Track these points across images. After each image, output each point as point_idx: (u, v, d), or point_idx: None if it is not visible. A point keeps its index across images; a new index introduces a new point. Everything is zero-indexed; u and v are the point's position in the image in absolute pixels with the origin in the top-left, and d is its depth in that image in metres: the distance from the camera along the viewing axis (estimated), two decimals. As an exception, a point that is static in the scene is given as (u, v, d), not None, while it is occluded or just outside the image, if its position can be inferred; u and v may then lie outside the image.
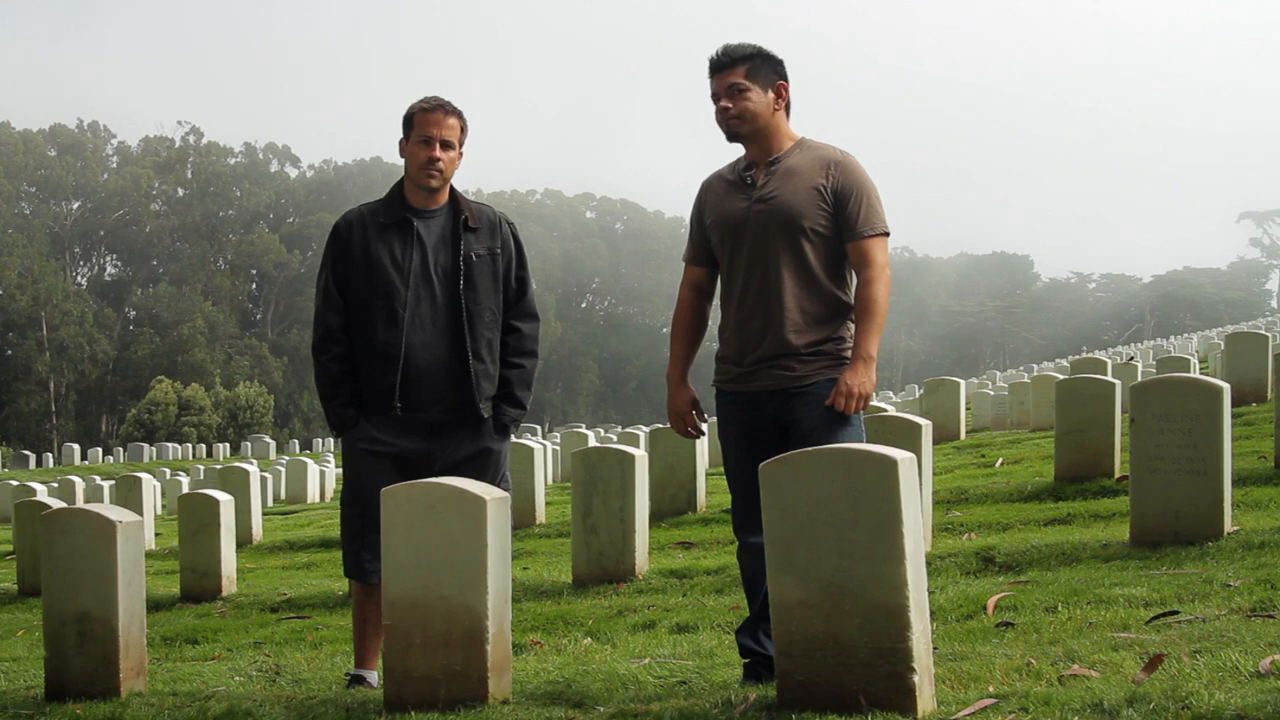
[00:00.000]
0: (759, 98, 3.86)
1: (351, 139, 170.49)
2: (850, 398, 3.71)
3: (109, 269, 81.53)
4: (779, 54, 3.95)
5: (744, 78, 3.85)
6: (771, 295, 3.83)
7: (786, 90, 3.92)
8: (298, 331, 74.23)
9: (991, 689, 3.31)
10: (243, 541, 12.00)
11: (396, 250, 4.38)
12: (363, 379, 4.42)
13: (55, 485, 20.38)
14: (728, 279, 3.97)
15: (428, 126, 4.35)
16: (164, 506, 19.96)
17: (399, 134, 4.45)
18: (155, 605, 7.99)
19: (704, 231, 4.05)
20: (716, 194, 4.00)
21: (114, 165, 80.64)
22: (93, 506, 4.71)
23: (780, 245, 3.83)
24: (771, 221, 3.83)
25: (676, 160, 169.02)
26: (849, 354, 3.83)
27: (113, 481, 18.85)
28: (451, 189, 4.50)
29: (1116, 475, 8.52)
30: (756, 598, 3.87)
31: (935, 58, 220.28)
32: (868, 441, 3.48)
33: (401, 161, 4.49)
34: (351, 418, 4.42)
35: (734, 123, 3.87)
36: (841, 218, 3.83)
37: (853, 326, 3.86)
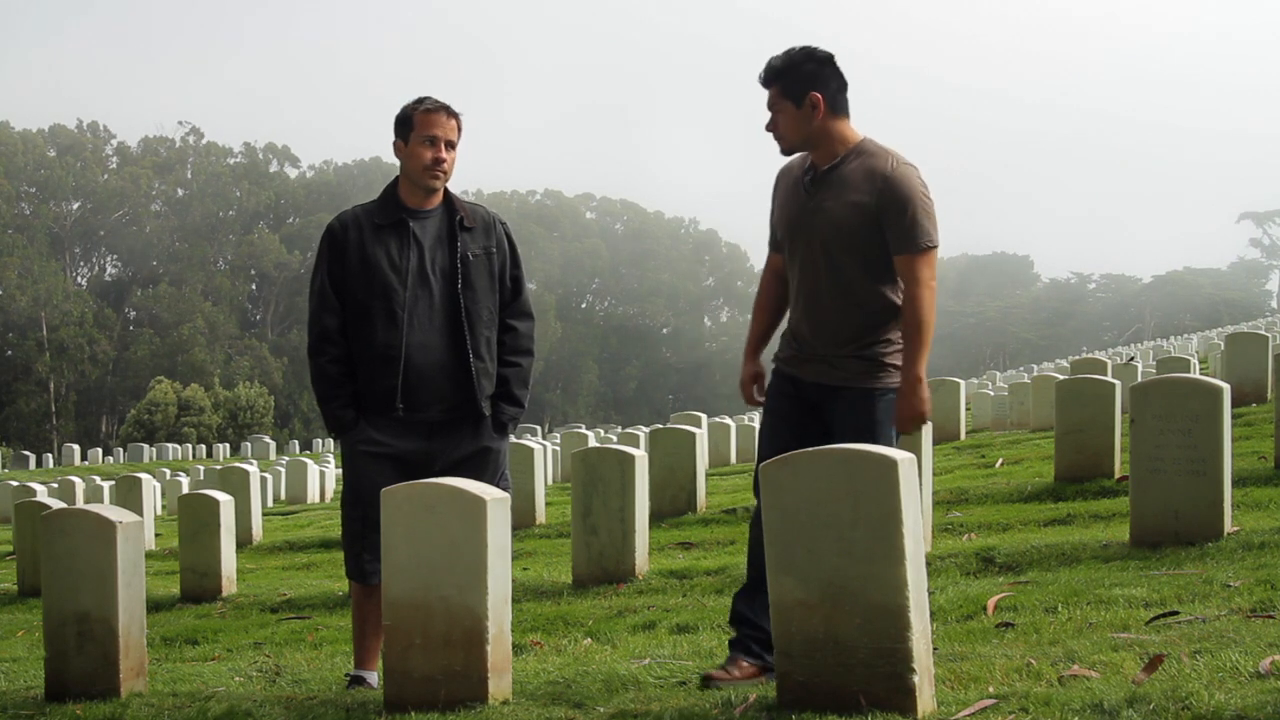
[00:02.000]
0: (790, 114, 3.92)
1: (351, 139, 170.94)
2: (910, 422, 3.89)
3: (109, 269, 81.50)
4: (824, 52, 3.92)
5: (779, 96, 3.92)
6: (819, 302, 3.97)
7: (821, 99, 3.88)
8: (298, 332, 74.13)
9: (991, 689, 3.31)
10: (243, 542, 11.99)
11: (393, 251, 4.37)
12: (362, 380, 4.41)
13: (55, 486, 20.38)
14: (789, 271, 4.11)
15: (432, 127, 4.34)
16: (164, 507, 19.96)
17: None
18: (155, 605, 7.98)
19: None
20: (784, 190, 4.11)
21: (114, 165, 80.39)
22: (93, 507, 4.70)
23: (826, 256, 3.93)
24: (818, 233, 3.93)
25: (677, 161, 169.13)
26: (889, 360, 3.93)
27: (113, 482, 18.83)
28: (445, 189, 4.50)
29: (1116, 475, 8.52)
30: (757, 566, 3.88)
31: (934, 59, 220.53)
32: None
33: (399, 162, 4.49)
34: (350, 419, 4.41)
35: (777, 141, 4.00)
36: (888, 232, 3.87)
37: (896, 332, 3.94)
